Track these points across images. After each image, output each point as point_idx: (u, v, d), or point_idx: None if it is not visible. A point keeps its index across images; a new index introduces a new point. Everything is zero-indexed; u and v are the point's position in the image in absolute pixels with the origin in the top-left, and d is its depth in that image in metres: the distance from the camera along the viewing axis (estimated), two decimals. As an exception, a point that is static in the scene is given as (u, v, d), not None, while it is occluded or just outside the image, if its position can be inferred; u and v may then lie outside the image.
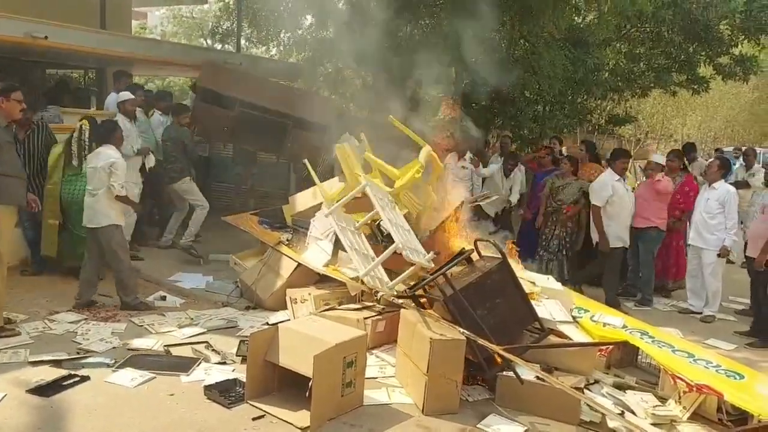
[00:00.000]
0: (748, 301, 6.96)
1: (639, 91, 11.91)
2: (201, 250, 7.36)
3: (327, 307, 5.21)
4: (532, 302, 4.73)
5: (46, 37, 7.21)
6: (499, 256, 4.64)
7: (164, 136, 7.46)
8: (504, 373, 4.16)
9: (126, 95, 7.05)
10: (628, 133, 21.33)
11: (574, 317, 5.04)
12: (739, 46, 11.02)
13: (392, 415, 3.94)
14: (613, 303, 6.35)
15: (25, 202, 5.13)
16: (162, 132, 7.53)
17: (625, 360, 5.05)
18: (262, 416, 3.79)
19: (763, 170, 9.11)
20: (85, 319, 5.32)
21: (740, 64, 10.99)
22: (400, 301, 4.68)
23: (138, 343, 4.84)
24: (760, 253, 5.76)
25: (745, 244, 6.56)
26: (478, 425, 3.86)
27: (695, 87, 11.68)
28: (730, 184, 7.29)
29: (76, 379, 4.14)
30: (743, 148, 15.03)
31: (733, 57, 11.08)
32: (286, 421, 3.72)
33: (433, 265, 4.97)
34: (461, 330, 4.07)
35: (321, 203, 6.54)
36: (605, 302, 6.30)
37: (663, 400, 4.30)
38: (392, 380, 4.41)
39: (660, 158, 7.37)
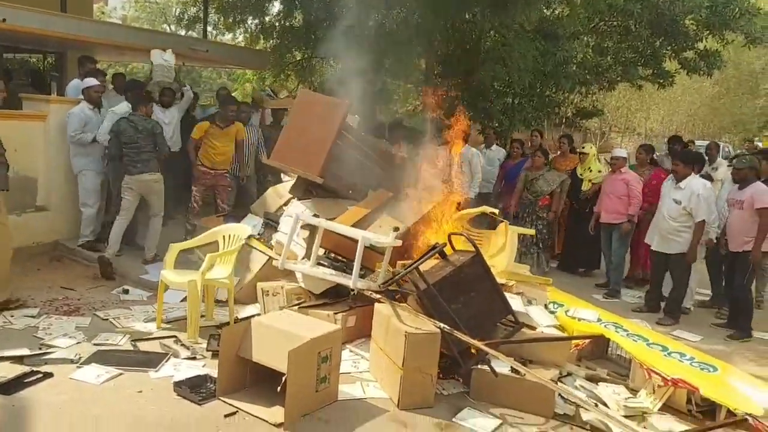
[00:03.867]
0: (708, 291, 7.15)
1: (606, 84, 12.05)
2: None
3: (298, 301, 5.14)
4: (507, 295, 4.73)
5: (4, 20, 6.92)
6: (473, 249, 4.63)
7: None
8: (479, 366, 4.16)
9: (91, 81, 6.75)
10: (594, 126, 21.64)
11: (550, 311, 5.06)
12: (704, 41, 11.20)
13: (367, 409, 3.90)
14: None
15: (7, 186, 5.23)
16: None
17: (595, 352, 5.09)
18: (235, 413, 3.71)
19: (726, 163, 9.29)
20: (47, 313, 5.15)
21: (704, 59, 11.19)
22: (375, 295, 4.62)
23: (103, 338, 4.70)
24: (754, 248, 5.82)
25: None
26: (453, 419, 3.85)
27: (661, 81, 11.86)
28: None
29: (39, 375, 3.99)
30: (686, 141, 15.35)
31: (697, 52, 11.27)
32: (260, 418, 3.64)
33: (400, 243, 4.95)
34: (436, 323, 4.05)
35: (289, 200, 6.48)
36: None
37: (634, 392, 4.36)
38: (367, 375, 4.37)
39: (622, 152, 7.54)
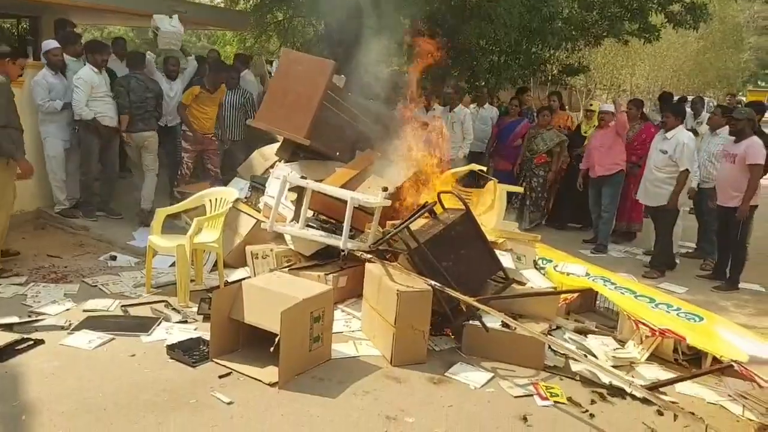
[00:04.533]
0: (693, 244, 7.25)
1: (592, 40, 11.91)
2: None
3: (288, 264, 5.13)
4: (497, 252, 4.75)
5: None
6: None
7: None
8: (470, 322, 4.20)
9: (50, 44, 6.49)
10: (580, 84, 21.50)
11: (538, 267, 5.10)
12: (691, -8, 11.07)
13: (361, 367, 3.94)
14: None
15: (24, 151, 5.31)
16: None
17: (584, 306, 5.18)
18: (229, 374, 3.73)
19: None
20: (35, 281, 5.11)
21: (691, 12, 11.06)
22: (366, 255, 4.63)
23: (93, 304, 4.68)
24: (742, 203, 5.75)
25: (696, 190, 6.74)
26: (445, 374, 3.90)
27: (647, 36, 11.74)
28: None
29: (30, 343, 3.97)
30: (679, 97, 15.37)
31: (684, 4, 11.15)
32: (254, 378, 3.66)
33: (389, 202, 4.95)
34: (428, 281, 4.07)
35: (275, 162, 6.41)
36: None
37: (622, 343, 4.44)
38: (359, 333, 4.41)
39: (609, 106, 7.58)
